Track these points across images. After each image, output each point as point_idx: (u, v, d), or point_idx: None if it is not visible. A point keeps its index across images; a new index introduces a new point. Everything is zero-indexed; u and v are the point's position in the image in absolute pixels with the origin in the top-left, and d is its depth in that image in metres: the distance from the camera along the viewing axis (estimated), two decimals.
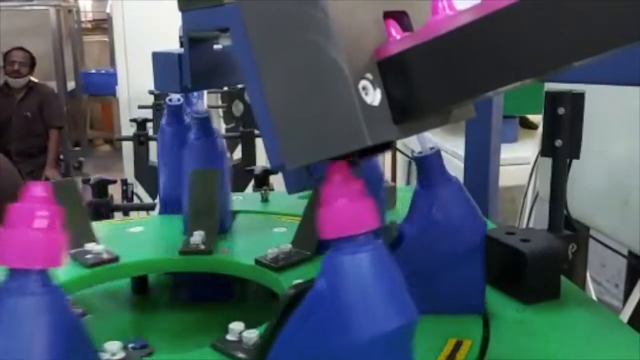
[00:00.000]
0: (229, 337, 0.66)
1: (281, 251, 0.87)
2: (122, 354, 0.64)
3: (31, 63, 4.65)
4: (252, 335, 0.65)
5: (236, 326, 0.66)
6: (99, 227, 0.97)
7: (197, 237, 0.90)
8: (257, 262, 0.86)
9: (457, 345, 0.68)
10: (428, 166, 0.73)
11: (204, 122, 0.98)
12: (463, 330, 0.70)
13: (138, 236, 0.97)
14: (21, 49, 4.65)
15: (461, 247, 0.73)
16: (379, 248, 0.52)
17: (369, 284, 0.51)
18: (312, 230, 0.90)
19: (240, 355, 0.64)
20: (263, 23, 0.51)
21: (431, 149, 0.73)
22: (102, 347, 0.64)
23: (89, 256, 0.85)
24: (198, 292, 0.92)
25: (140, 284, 0.94)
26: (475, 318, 0.73)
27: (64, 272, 0.82)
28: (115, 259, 0.86)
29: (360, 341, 0.50)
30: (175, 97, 1.03)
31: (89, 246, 0.87)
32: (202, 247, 0.89)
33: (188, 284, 0.93)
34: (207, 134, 0.98)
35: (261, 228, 1.02)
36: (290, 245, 0.89)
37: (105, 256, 0.85)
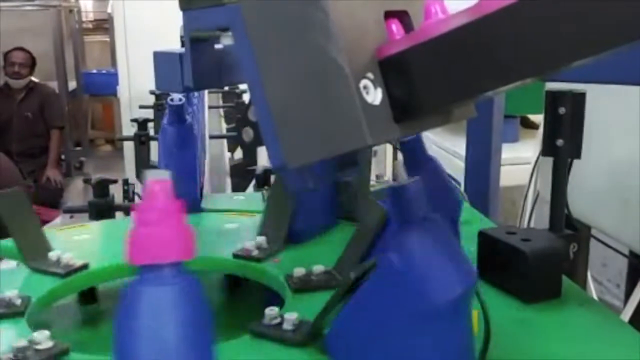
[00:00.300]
0: (266, 321, 0.68)
1: (258, 244, 0.89)
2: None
3: (31, 64, 4.65)
4: (292, 317, 0.67)
5: (271, 311, 0.68)
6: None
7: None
8: (236, 255, 0.88)
9: None
10: (410, 150, 0.79)
11: (178, 110, 1.03)
12: None
13: (85, 242, 0.98)
14: (21, 49, 4.65)
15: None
16: (440, 222, 0.55)
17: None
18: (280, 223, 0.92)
19: (282, 335, 0.66)
20: (264, 23, 0.51)
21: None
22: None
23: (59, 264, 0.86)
24: None
25: None
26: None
27: (39, 283, 0.82)
28: (85, 266, 0.86)
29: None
30: (177, 97, 1.03)
31: (53, 254, 0.87)
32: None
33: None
34: (181, 121, 1.04)
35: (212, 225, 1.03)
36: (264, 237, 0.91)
37: (76, 263, 0.85)
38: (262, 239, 0.90)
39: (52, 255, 0.86)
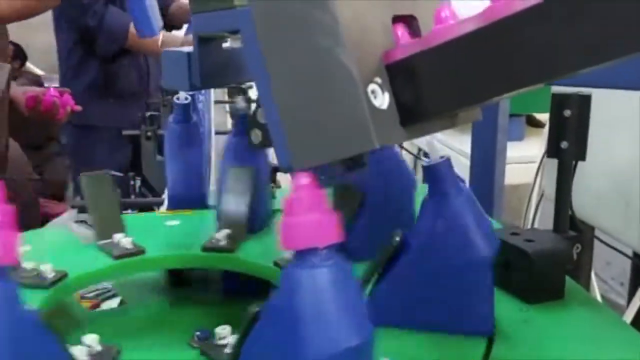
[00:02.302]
0: (215, 341, 0.68)
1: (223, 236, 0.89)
2: (99, 347, 0.65)
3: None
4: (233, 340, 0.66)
5: (222, 330, 0.68)
6: (136, 219, 1.00)
7: (222, 234, 0.91)
8: (275, 264, 0.85)
9: None
10: (437, 175, 0.68)
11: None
12: (464, 355, 0.67)
13: (171, 229, 0.98)
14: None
15: (468, 264, 0.68)
16: (340, 263, 0.51)
17: (325, 299, 0.50)
18: None
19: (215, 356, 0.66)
20: (273, 27, 0.52)
21: (441, 157, 0.67)
22: (79, 340, 0.65)
23: (115, 248, 0.87)
24: (233, 286, 0.93)
25: (175, 277, 0.96)
26: (479, 341, 0.69)
27: (91, 261, 0.85)
28: (142, 252, 0.87)
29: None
30: (183, 96, 1.03)
31: (117, 237, 0.89)
32: (224, 244, 0.89)
33: (225, 278, 0.94)
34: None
35: None
36: None
37: (131, 248, 0.87)
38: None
39: (116, 237, 0.88)
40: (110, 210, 0.92)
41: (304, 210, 0.49)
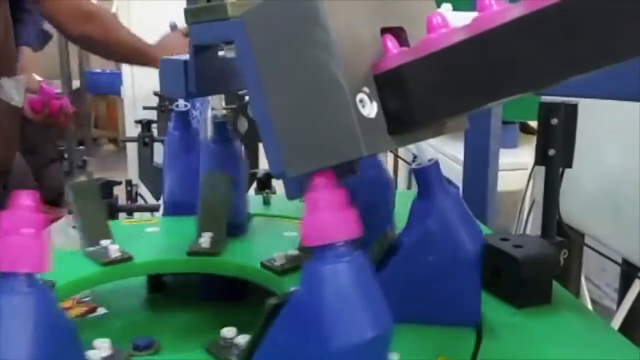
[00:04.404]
0: (222, 342, 0.69)
1: (288, 256, 0.87)
2: (108, 352, 0.66)
3: None
4: (243, 340, 0.67)
5: (228, 332, 0.69)
6: (118, 227, 1.00)
7: (205, 238, 0.92)
8: (262, 265, 0.87)
9: None
10: (426, 178, 0.72)
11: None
12: (455, 347, 0.70)
13: (153, 236, 0.99)
14: None
15: (457, 259, 0.72)
16: (359, 258, 0.52)
17: (348, 293, 0.51)
18: None
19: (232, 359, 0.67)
20: (266, 39, 0.54)
21: (429, 160, 0.72)
22: (91, 344, 0.66)
23: (103, 254, 0.88)
24: (209, 292, 0.93)
25: (155, 283, 0.96)
26: (469, 334, 0.73)
27: (79, 268, 0.85)
28: (129, 258, 0.88)
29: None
30: (182, 103, 1.05)
31: (104, 243, 0.90)
32: (208, 248, 0.91)
33: (201, 284, 0.94)
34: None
35: (271, 231, 1.04)
36: (297, 251, 0.89)
37: (118, 255, 0.88)
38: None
39: (103, 243, 0.89)
40: (97, 217, 0.93)
41: (324, 207, 0.51)
